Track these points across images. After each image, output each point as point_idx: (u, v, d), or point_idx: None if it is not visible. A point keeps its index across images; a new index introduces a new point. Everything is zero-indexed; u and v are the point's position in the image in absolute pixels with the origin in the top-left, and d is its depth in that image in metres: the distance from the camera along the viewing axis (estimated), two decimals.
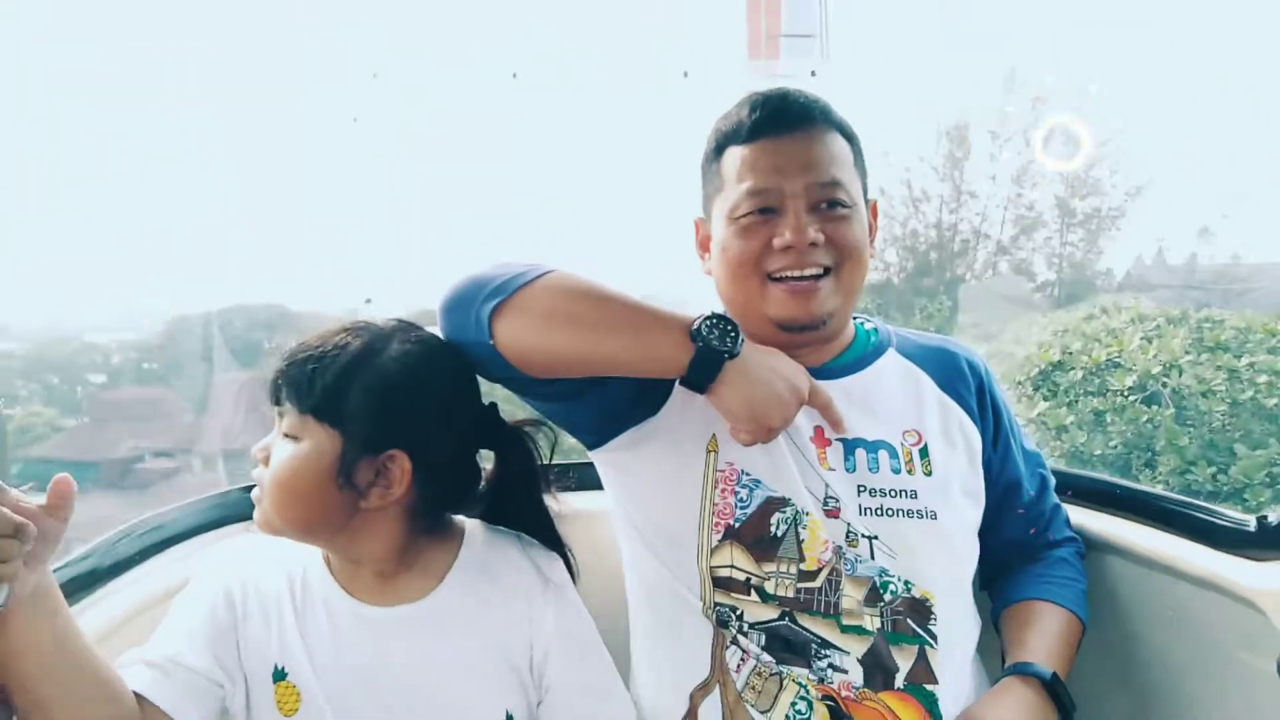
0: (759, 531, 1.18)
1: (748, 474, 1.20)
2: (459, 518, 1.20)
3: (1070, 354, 5.50)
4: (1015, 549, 1.36)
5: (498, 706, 1.10)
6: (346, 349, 1.04)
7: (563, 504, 1.24)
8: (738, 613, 1.17)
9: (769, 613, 1.16)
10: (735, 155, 1.25)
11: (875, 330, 1.37)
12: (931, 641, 1.15)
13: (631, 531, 1.28)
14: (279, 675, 1.06)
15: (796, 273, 1.21)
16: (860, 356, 1.31)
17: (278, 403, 1.06)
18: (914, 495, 1.20)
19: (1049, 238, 8.90)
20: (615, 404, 1.23)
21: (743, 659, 1.16)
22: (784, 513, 1.18)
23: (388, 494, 1.04)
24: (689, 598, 1.20)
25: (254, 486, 1.46)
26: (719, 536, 1.19)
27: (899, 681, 1.14)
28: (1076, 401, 5.22)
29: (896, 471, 1.21)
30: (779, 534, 1.17)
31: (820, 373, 1.25)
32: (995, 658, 1.28)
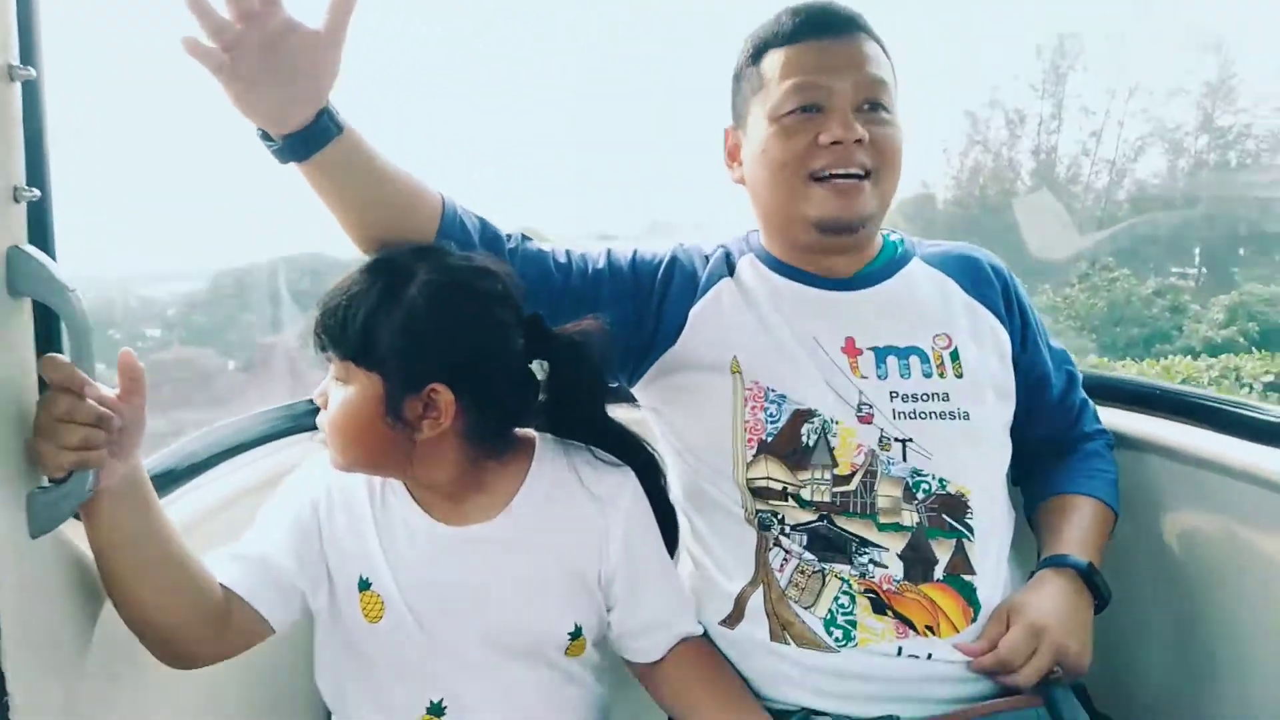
0: (791, 443, 1.25)
1: (773, 390, 1.27)
2: (531, 432, 1.24)
3: None
4: (1046, 444, 1.42)
5: (566, 619, 1.17)
6: (372, 289, 1.07)
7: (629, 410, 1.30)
8: (779, 516, 1.25)
9: (808, 515, 1.24)
10: (778, 56, 1.29)
11: (901, 240, 1.42)
12: (969, 534, 1.22)
13: (671, 452, 1.38)
14: (364, 585, 1.14)
15: (841, 170, 1.24)
16: (887, 264, 1.36)
17: (323, 349, 1.10)
18: (946, 397, 1.26)
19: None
20: (633, 340, 1.34)
21: (785, 558, 1.24)
22: (812, 423, 1.25)
23: (438, 425, 1.08)
24: (731, 506, 1.28)
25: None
26: (753, 451, 1.26)
27: (938, 573, 1.21)
28: None
29: (928, 375, 1.27)
30: (810, 443, 1.25)
31: (851, 282, 1.33)
32: (1028, 553, 1.35)
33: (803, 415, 1.25)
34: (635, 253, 1.40)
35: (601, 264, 1.36)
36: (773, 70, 1.29)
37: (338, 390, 1.10)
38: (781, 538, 1.24)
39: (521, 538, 1.15)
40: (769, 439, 1.26)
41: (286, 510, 1.16)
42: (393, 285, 1.07)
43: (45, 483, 0.91)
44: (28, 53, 0.89)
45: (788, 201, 1.29)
